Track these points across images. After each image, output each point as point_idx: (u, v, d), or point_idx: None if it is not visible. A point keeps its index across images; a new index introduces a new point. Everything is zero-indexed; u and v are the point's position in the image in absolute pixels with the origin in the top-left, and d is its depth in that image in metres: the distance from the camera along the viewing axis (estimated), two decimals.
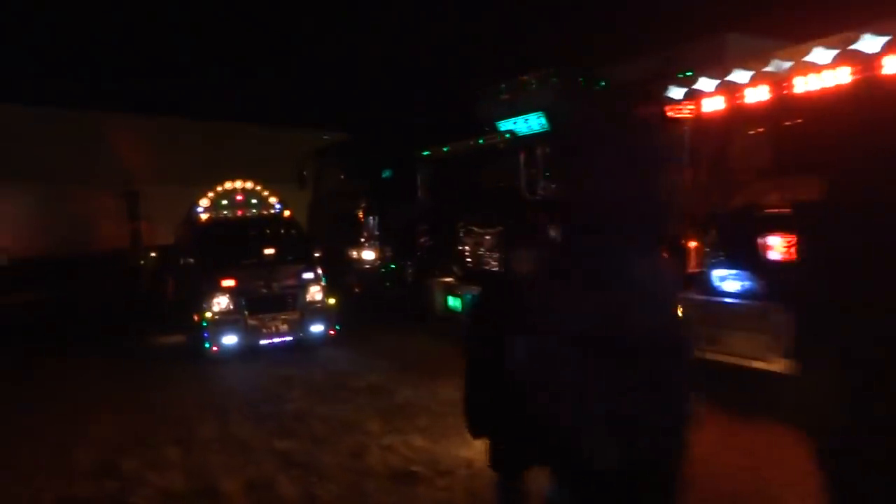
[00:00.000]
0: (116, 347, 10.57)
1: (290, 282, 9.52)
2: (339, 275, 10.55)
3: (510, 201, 8.33)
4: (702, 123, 5.92)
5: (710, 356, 5.27)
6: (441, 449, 5.19)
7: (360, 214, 11.18)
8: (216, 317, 8.95)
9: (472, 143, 8.85)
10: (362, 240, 11.14)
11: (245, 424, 6.10)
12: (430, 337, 9.64)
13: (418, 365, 7.95)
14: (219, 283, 9.14)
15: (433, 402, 6.41)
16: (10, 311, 13.80)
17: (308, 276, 9.71)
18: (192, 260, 9.68)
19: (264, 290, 9.34)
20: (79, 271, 15.93)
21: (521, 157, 7.72)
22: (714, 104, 5.89)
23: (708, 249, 5.84)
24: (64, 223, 18.25)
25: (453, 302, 9.60)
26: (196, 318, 9.60)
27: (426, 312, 9.89)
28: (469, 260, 9.21)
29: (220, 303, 9.10)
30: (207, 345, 8.87)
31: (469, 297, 9.06)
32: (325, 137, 13.76)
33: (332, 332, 9.53)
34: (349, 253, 11.35)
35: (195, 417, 6.38)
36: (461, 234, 9.37)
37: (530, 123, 8.86)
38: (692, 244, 5.99)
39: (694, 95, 6.06)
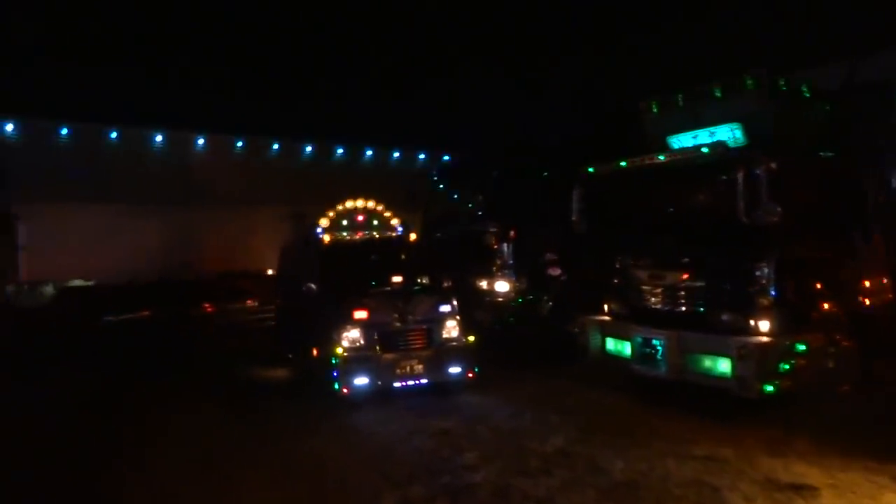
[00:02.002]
0: (219, 380, 9.54)
1: (425, 315, 8.31)
2: (465, 308, 9.29)
3: (715, 229, 6.96)
4: None
5: None
6: None
7: (493, 241, 9.95)
8: (347, 353, 7.77)
9: (662, 157, 7.52)
10: (494, 269, 9.90)
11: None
12: (585, 383, 8.27)
13: (600, 423, 6.59)
14: (351, 314, 7.99)
15: (663, 481, 5.03)
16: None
17: (445, 308, 8.49)
18: (313, 286, 8.56)
19: (398, 324, 8.14)
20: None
21: (740, 176, 6.36)
22: None
23: None
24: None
25: (614, 345, 8.20)
26: (316, 352, 8.48)
27: (579, 354, 8.51)
28: (644, 297, 7.81)
29: (352, 337, 7.93)
30: (337, 385, 7.68)
31: (640, 340, 7.68)
32: (445, 159, 12.66)
33: (470, 375, 8.25)
34: (477, 283, 10.11)
35: (365, 489, 5.13)
36: (630, 266, 8.01)
37: (719, 136, 7.54)
38: None
39: None
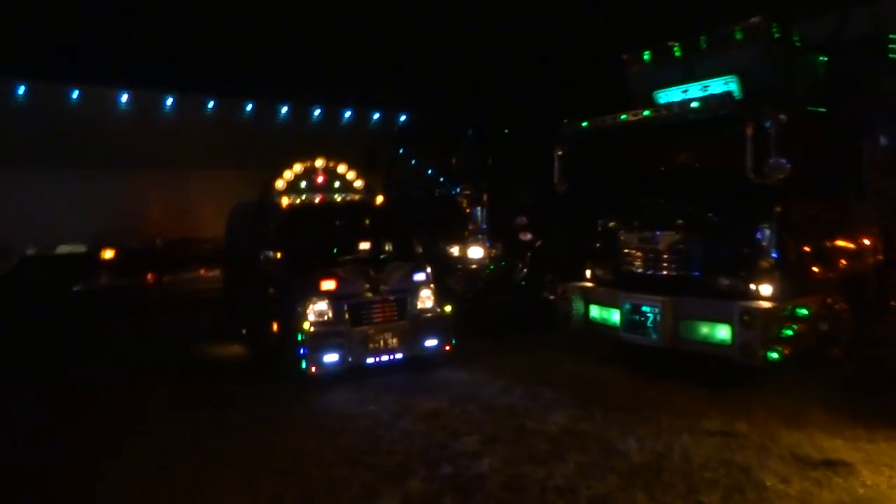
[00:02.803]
0: (168, 359, 8.58)
1: (398, 284, 7.61)
2: (436, 276, 8.63)
3: (715, 187, 6.53)
4: None
5: None
6: None
7: (465, 205, 9.25)
8: (314, 328, 6.99)
9: (657, 111, 6.97)
10: (466, 235, 9.23)
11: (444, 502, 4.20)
12: (569, 354, 7.83)
13: (597, 397, 6.12)
14: (318, 284, 7.19)
15: (685, 461, 4.60)
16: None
17: (419, 277, 7.80)
18: (272, 255, 7.67)
19: (369, 295, 7.41)
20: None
21: (748, 130, 5.90)
22: None
23: None
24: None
25: (599, 313, 7.76)
26: (276, 327, 7.66)
27: (560, 322, 8.03)
28: (634, 261, 7.36)
29: (320, 310, 7.14)
30: (304, 364, 6.91)
31: (629, 306, 7.26)
32: (404, 119, 11.76)
33: (447, 348, 7.64)
34: (448, 250, 9.43)
35: (355, 487, 4.46)
36: (618, 229, 7.52)
37: (712, 91, 7.08)
38: None
39: None
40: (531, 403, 6.04)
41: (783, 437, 4.96)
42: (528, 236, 9.70)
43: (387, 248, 8.28)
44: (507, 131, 9.74)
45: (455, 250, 9.43)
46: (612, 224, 7.71)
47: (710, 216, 6.75)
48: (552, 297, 9.03)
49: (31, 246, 13.75)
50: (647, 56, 7.61)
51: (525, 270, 9.45)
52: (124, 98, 17.00)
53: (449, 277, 9.15)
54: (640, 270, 7.34)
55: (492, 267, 9.30)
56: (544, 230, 9.56)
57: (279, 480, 4.60)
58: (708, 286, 6.64)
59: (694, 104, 6.61)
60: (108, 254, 12.80)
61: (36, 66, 14.50)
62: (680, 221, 6.94)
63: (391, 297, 7.49)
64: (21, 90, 15.90)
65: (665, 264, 7.07)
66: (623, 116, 7.17)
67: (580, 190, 8.04)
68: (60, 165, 15.48)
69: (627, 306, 7.29)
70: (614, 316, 7.55)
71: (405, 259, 7.98)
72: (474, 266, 9.20)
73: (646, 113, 7.13)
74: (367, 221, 8.65)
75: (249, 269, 8.59)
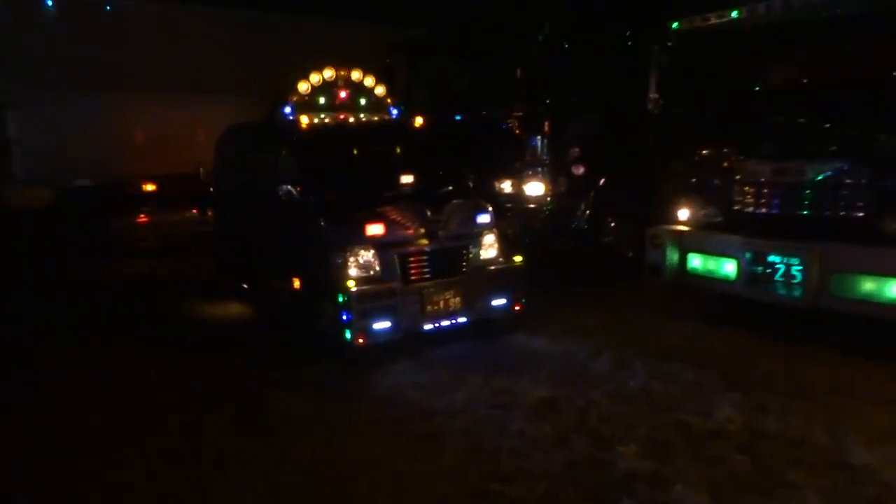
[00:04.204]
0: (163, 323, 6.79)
1: (460, 228, 5.91)
2: None
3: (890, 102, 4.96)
4: None
5: None
6: None
7: (521, 131, 7.48)
8: (361, 287, 5.26)
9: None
10: (522, 167, 7.49)
11: None
12: (664, 313, 6.36)
13: (747, 376, 4.67)
14: (362, 228, 5.43)
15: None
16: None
17: (483, 219, 6.12)
18: (291, 189, 5.83)
19: (425, 242, 5.70)
20: None
21: None
22: None
23: None
24: None
25: (703, 263, 6.23)
26: (297, 283, 5.91)
27: (647, 273, 6.51)
28: (760, 199, 5.79)
29: (366, 262, 5.42)
30: (349, 333, 5.22)
31: (750, 256, 5.76)
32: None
33: (517, 308, 6.06)
34: (498, 186, 7.70)
35: None
36: (738, 158, 5.92)
37: None
38: None
39: None
40: (671, 387, 4.53)
41: None
42: (581, 170, 8.02)
43: (436, 182, 6.53)
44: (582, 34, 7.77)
45: (506, 186, 7.72)
46: (727, 151, 6.11)
47: (882, 138, 5.19)
48: (625, 246, 7.55)
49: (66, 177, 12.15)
50: None
51: (588, 212, 7.82)
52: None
53: (500, 220, 7.47)
54: (770, 211, 5.78)
55: (549, 207, 7.64)
56: (602, 163, 7.90)
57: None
58: (877, 230, 5.15)
59: None
60: (149, 186, 11.76)
61: None
62: (837, 146, 5.37)
63: (453, 245, 5.81)
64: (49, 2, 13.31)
65: (811, 203, 5.51)
66: (735, 13, 5.47)
67: (684, 106, 6.37)
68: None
69: (749, 256, 5.79)
70: (726, 267, 6.04)
71: (462, 196, 6.26)
72: (532, 206, 7.52)
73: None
74: (406, 148, 6.84)
75: (253, 208, 6.76)
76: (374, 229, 5.46)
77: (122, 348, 5.94)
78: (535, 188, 7.46)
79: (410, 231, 5.65)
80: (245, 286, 7.40)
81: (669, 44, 6.28)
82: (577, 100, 7.45)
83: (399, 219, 5.64)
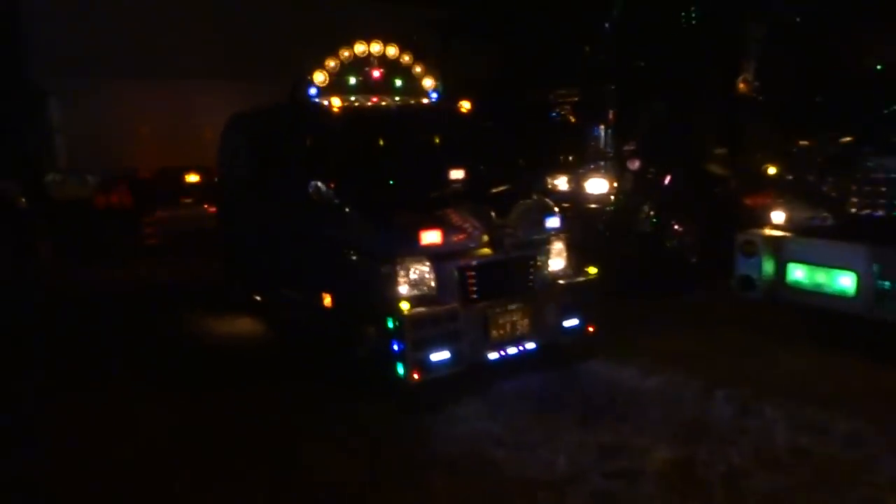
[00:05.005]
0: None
1: (527, 234, 4.88)
2: None
3: None
4: None
5: None
6: None
7: (573, 120, 6.46)
8: (416, 310, 4.21)
9: None
10: (581, 161, 6.47)
11: None
12: (762, 334, 5.37)
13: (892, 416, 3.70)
14: (416, 236, 4.37)
15: None
16: None
17: (553, 222, 5.10)
18: (322, 186, 4.76)
19: (489, 252, 4.66)
20: None
21: None
22: None
23: None
24: None
25: (810, 276, 5.24)
26: (328, 300, 4.86)
27: (737, 286, 5.51)
28: (883, 201, 4.81)
29: (419, 279, 4.37)
30: (402, 368, 4.17)
31: (877, 269, 4.77)
32: None
33: (590, 329, 5.05)
34: (552, 182, 6.67)
35: None
36: (860, 151, 4.94)
37: None
38: None
39: None
40: (828, 444, 3.52)
41: None
42: (636, 164, 7.01)
43: (491, 178, 5.47)
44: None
45: (561, 183, 6.69)
46: (846, 142, 5.12)
47: None
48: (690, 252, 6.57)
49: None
50: None
51: (652, 213, 6.81)
52: None
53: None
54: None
55: (611, 207, 6.63)
56: (667, 159, 6.91)
57: None
58: None
59: None
60: (193, 177, 11.52)
61: None
62: None
63: (519, 255, 4.78)
64: None
65: None
66: None
67: (787, 91, 5.37)
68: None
69: (877, 268, 4.81)
70: (841, 281, 5.05)
71: (525, 196, 5.21)
72: (593, 205, 6.50)
73: None
74: (453, 138, 5.78)
75: (271, 207, 5.70)
76: (431, 237, 4.41)
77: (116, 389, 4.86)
78: (596, 185, 6.45)
79: (472, 239, 4.61)
80: (257, 298, 6.36)
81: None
82: (649, 83, 6.42)
83: (459, 223, 4.60)
